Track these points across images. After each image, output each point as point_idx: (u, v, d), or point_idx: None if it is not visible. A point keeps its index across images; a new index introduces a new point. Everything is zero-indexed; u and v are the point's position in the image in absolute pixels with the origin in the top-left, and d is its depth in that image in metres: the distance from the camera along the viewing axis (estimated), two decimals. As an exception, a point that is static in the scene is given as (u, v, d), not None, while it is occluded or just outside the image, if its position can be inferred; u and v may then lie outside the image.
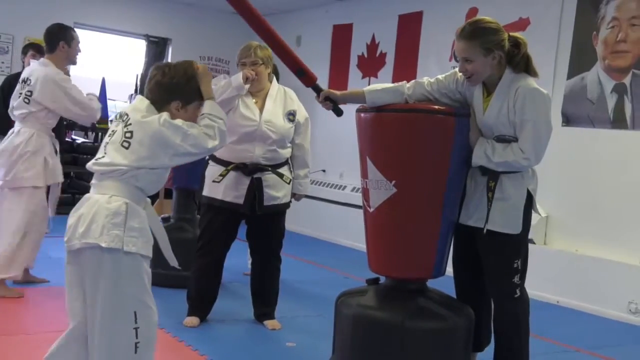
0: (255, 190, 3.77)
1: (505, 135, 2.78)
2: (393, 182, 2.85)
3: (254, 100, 3.83)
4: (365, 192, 3.01)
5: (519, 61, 2.77)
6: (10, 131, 4.22)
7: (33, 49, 5.34)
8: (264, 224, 3.92)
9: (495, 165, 2.78)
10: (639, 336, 4.47)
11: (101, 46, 8.86)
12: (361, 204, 3.13)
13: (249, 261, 5.27)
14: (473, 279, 3.02)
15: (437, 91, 2.96)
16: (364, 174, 3.00)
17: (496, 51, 2.73)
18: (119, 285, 2.24)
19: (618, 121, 5.17)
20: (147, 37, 8.74)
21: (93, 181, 2.33)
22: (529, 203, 2.86)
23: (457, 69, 2.93)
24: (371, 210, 2.96)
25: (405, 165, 2.86)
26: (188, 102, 2.38)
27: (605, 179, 5.12)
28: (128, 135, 2.28)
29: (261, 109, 3.80)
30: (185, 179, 4.81)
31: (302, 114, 3.96)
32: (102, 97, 7.99)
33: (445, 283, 3.07)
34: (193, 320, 3.89)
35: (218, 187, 3.78)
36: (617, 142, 5.14)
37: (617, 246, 5.02)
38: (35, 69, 4.22)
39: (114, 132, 2.34)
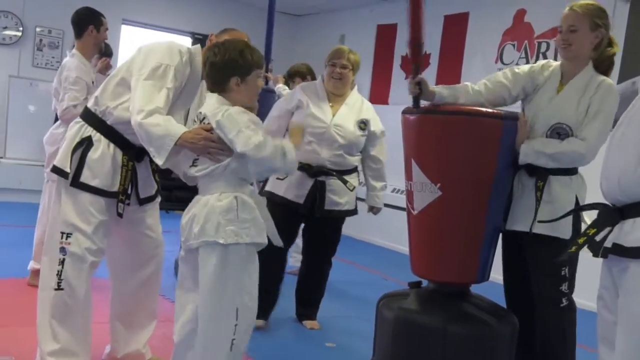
0: (318, 192, 3.76)
1: (563, 124, 2.75)
2: (438, 185, 2.82)
3: (330, 104, 3.82)
4: (409, 195, 2.99)
5: (604, 59, 2.79)
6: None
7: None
8: (323, 228, 3.92)
9: (548, 158, 2.72)
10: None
11: (146, 42, 8.98)
12: (402, 205, 3.12)
13: (292, 259, 5.31)
14: (522, 286, 2.96)
15: (512, 81, 2.94)
16: (409, 177, 2.98)
17: (600, 29, 2.74)
18: (227, 279, 2.32)
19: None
20: (193, 35, 8.83)
21: (199, 184, 2.43)
22: (579, 213, 2.75)
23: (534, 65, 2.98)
24: (415, 212, 2.94)
25: (451, 168, 2.83)
26: (246, 74, 2.39)
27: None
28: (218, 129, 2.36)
29: (334, 114, 3.79)
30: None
31: (377, 126, 3.91)
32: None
33: (489, 288, 3.03)
34: (258, 322, 3.76)
35: (281, 183, 3.78)
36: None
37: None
38: (65, 61, 4.29)
39: None
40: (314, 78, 5.36)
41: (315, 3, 8.48)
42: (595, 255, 1.97)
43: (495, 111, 2.85)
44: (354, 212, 3.95)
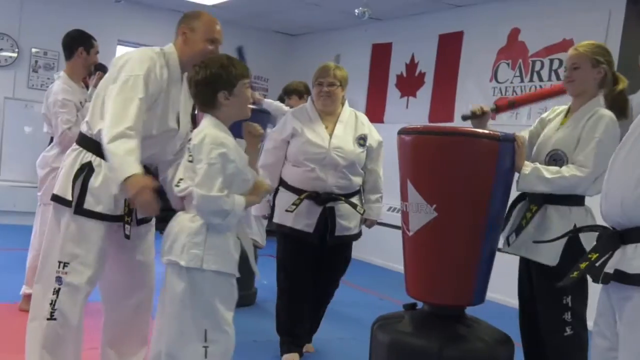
0: (328, 219, 3.66)
1: (559, 149, 2.84)
2: (434, 206, 2.80)
3: (324, 125, 3.72)
4: (404, 216, 2.96)
5: (615, 97, 2.86)
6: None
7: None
8: (333, 255, 3.82)
9: (549, 183, 2.74)
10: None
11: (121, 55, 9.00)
12: (398, 224, 3.09)
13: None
14: (529, 310, 2.96)
15: (537, 127, 3.14)
16: (404, 197, 2.96)
17: (602, 66, 2.86)
18: (192, 301, 2.28)
19: (665, 145, 5.03)
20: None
21: (185, 201, 2.41)
22: (578, 242, 2.69)
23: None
24: (410, 234, 2.91)
25: (447, 190, 2.81)
26: (232, 87, 2.37)
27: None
28: (190, 159, 2.35)
29: (331, 134, 3.69)
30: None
31: (374, 138, 3.83)
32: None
33: (486, 310, 3.00)
34: (294, 357, 3.79)
35: (289, 214, 3.67)
36: (664, 167, 5.00)
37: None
38: (51, 86, 4.28)
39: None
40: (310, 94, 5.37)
41: (310, 23, 8.52)
42: (596, 281, 1.92)
43: (491, 132, 2.83)
44: (360, 234, 3.88)
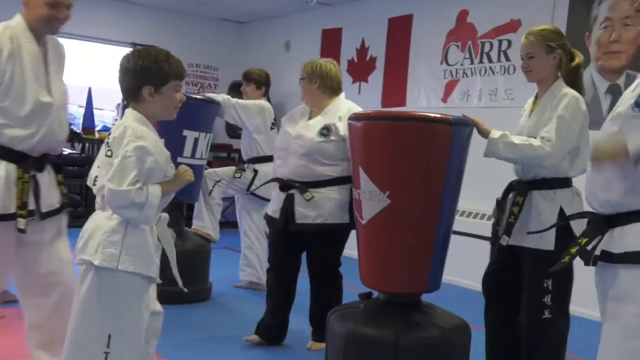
0: (288, 206, 3.65)
1: (534, 136, 2.84)
2: (387, 193, 2.75)
3: (307, 119, 3.76)
4: (357, 204, 2.91)
5: (569, 72, 2.93)
6: None
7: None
8: (308, 244, 3.76)
9: (516, 149, 2.78)
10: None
11: (87, 55, 8.73)
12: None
13: (241, 273, 5.19)
14: (501, 294, 3.03)
15: None
16: (357, 185, 2.91)
17: (557, 51, 2.90)
18: (100, 302, 2.16)
19: (613, 123, 5.09)
20: (134, 45, 8.60)
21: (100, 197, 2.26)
22: (566, 225, 2.72)
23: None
24: (364, 222, 2.86)
25: (400, 176, 2.76)
26: (161, 84, 2.23)
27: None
28: (109, 153, 2.21)
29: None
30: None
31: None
32: (89, 106, 7.89)
33: (442, 293, 2.97)
34: (253, 338, 3.81)
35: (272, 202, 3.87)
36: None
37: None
38: None
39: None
40: (268, 89, 5.25)
41: (258, 9, 8.37)
42: (587, 264, 1.99)
43: (444, 116, 2.79)
44: (335, 226, 3.63)
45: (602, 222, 1.99)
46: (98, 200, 2.25)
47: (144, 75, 2.22)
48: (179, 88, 2.30)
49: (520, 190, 2.91)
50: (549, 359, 2.88)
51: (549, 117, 2.83)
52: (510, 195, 3.00)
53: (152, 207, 2.14)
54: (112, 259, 2.13)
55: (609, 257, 1.94)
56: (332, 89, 3.76)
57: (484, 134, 2.86)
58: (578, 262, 2.86)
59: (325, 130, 3.63)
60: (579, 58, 2.95)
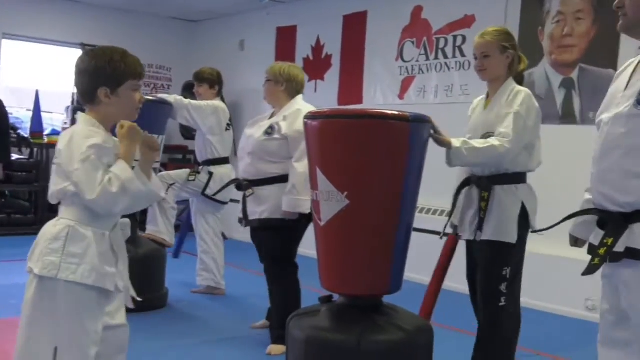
0: (244, 204, 3.83)
1: (490, 132, 2.91)
2: (345, 193, 2.67)
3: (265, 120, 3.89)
4: (315, 205, 2.82)
5: (516, 76, 3.06)
6: None
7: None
8: (257, 239, 3.90)
9: (480, 153, 2.82)
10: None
11: (34, 57, 8.45)
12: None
13: (198, 278, 5.07)
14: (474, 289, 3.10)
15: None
16: (314, 186, 2.83)
17: (509, 51, 3.00)
18: (43, 314, 2.04)
19: (567, 116, 5.13)
20: (83, 46, 8.36)
21: None
22: (524, 218, 2.92)
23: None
24: (322, 223, 2.78)
25: (358, 175, 2.69)
26: (117, 85, 2.12)
27: (555, 175, 5.05)
28: (57, 160, 2.12)
29: None
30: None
31: (292, 129, 3.68)
32: (36, 110, 7.62)
33: (404, 294, 2.91)
34: (263, 323, 4.06)
35: None
36: (567, 137, 5.09)
37: (572, 243, 4.97)
38: None
39: None
40: (221, 88, 5.12)
41: (211, 8, 8.23)
42: (613, 261, 1.99)
43: (401, 113, 2.72)
44: (279, 221, 3.70)
45: (621, 220, 1.98)
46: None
47: (99, 76, 2.11)
48: (138, 88, 2.18)
49: (483, 185, 2.95)
50: (507, 347, 2.97)
51: (506, 113, 2.88)
52: (466, 191, 3.05)
53: (132, 181, 2.04)
54: (52, 268, 2.01)
55: (636, 254, 1.93)
56: (297, 92, 3.92)
57: (445, 144, 2.83)
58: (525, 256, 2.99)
59: (270, 129, 3.76)
60: (524, 63, 3.09)
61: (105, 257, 2.10)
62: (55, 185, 2.10)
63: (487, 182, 2.94)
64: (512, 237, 2.89)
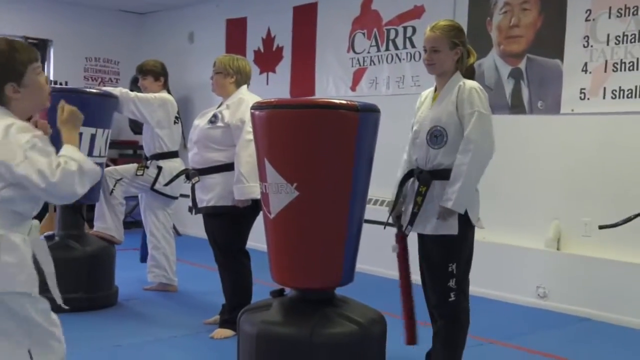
0: (194, 192, 3.91)
1: (438, 126, 2.91)
2: (294, 184, 2.65)
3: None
4: (264, 198, 2.78)
5: (467, 68, 3.05)
6: None
7: None
8: (206, 227, 3.95)
9: (470, 181, 2.83)
10: (549, 321, 4.48)
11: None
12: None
13: (150, 274, 4.96)
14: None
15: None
16: (262, 178, 2.78)
17: (459, 47, 2.99)
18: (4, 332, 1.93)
19: (516, 106, 5.19)
20: (25, 39, 8.09)
21: None
22: (464, 214, 2.87)
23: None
24: (272, 216, 2.74)
25: (307, 166, 2.67)
26: (21, 76, 1.99)
27: (505, 164, 5.09)
28: None
29: None
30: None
31: (236, 117, 3.74)
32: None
33: (355, 286, 2.89)
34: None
35: None
36: (516, 127, 5.15)
37: (522, 231, 5.04)
38: None
39: None
40: (167, 79, 5.00)
41: (158, 0, 8.06)
42: None
43: (349, 102, 2.69)
44: (224, 208, 3.77)
45: None
46: None
47: (1, 74, 1.98)
48: (40, 70, 2.06)
49: (423, 180, 2.93)
50: (459, 340, 2.99)
51: (468, 113, 2.87)
52: (410, 183, 3.04)
53: (86, 161, 1.98)
54: None
55: None
56: (244, 83, 3.98)
57: (452, 214, 2.83)
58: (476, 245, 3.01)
59: (213, 118, 3.85)
60: (473, 57, 3.09)
61: (28, 260, 2.01)
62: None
63: (428, 176, 2.92)
64: (453, 229, 2.85)
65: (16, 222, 1.98)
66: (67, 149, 1.99)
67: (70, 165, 1.93)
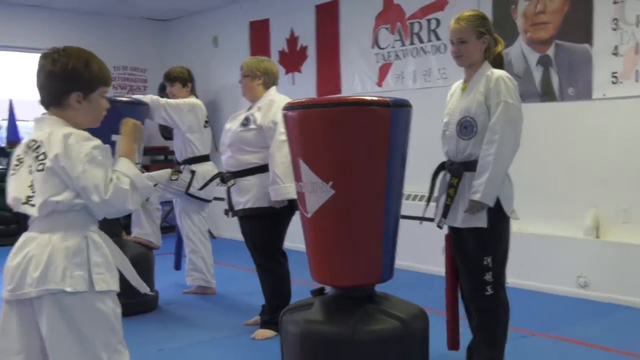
0: (229, 196, 3.94)
1: (467, 116, 2.90)
2: (330, 183, 2.65)
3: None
4: (300, 197, 2.79)
5: (495, 57, 3.02)
6: None
7: None
8: (242, 230, 3.98)
9: (496, 166, 2.80)
10: (591, 311, 4.42)
11: (5, 66, 8.30)
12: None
13: (188, 278, 5.01)
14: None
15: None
16: (298, 177, 2.79)
17: (485, 36, 2.97)
18: (86, 334, 1.97)
19: (546, 94, 5.13)
20: (54, 50, 8.22)
21: (33, 220, 2.00)
22: (498, 206, 2.85)
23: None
24: (309, 215, 2.75)
25: (342, 164, 2.67)
26: (90, 91, 2.03)
27: (538, 153, 5.06)
28: (41, 167, 1.96)
29: None
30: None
31: (267, 118, 3.79)
32: (11, 119, 7.51)
33: (395, 282, 2.89)
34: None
35: None
36: (547, 114, 5.09)
37: (559, 220, 4.98)
38: None
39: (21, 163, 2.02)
40: (194, 85, 5.05)
41: (181, 6, 8.13)
42: None
43: (380, 98, 2.69)
44: (261, 210, 3.79)
45: None
46: (36, 220, 2.00)
47: (74, 80, 2.01)
48: (105, 94, 2.11)
49: (454, 171, 2.93)
50: (499, 334, 2.96)
51: (494, 104, 2.85)
52: (441, 176, 3.04)
53: (138, 176, 2.02)
54: (83, 282, 1.94)
55: None
56: (273, 84, 4.00)
57: (479, 207, 2.82)
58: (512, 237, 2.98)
59: (245, 121, 3.87)
60: (501, 44, 3.06)
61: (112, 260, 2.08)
62: (48, 194, 1.95)
63: (459, 167, 2.91)
64: (482, 222, 2.84)
65: (93, 222, 2.04)
66: (122, 164, 2.03)
67: (123, 182, 1.97)
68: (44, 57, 2.05)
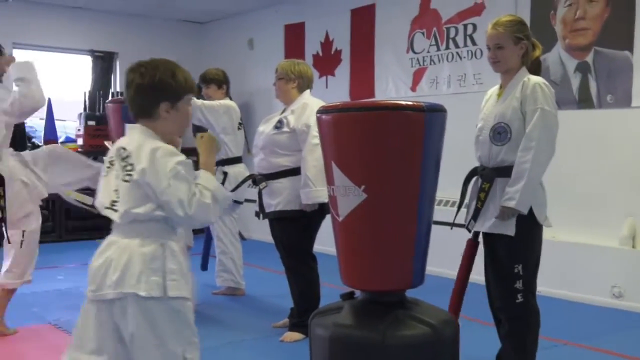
0: (261, 198, 3.95)
1: (502, 122, 2.89)
2: (362, 187, 2.64)
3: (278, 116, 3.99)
4: (332, 200, 2.79)
5: (532, 62, 2.99)
6: None
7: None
8: (273, 232, 4.00)
9: (532, 174, 2.78)
10: (625, 322, 4.33)
11: (44, 66, 8.46)
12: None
13: (218, 279, 5.04)
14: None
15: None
16: (330, 181, 2.79)
17: (523, 41, 2.94)
18: (165, 335, 2.02)
19: (584, 101, 5.05)
20: (92, 53, 8.37)
21: (115, 224, 2.08)
22: (530, 213, 2.83)
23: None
24: (340, 219, 2.74)
25: (375, 168, 2.65)
26: (177, 100, 2.09)
27: (575, 161, 4.98)
28: (127, 178, 2.03)
29: None
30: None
31: (300, 122, 3.81)
32: (49, 118, 7.65)
33: (425, 288, 2.87)
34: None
35: None
36: (585, 122, 5.01)
37: (594, 229, 4.90)
38: None
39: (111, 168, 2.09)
40: (229, 87, 5.11)
41: (218, 8, 8.21)
42: None
43: (415, 103, 2.68)
44: (293, 212, 3.81)
45: None
46: (118, 225, 2.07)
47: (162, 91, 2.06)
48: (190, 101, 2.16)
49: (486, 177, 2.92)
50: (530, 342, 2.94)
51: (530, 110, 2.83)
52: (473, 181, 3.04)
53: (219, 189, 2.09)
54: (157, 288, 1.99)
55: None
56: (307, 87, 4.02)
57: (511, 214, 2.82)
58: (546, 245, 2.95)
59: (279, 124, 3.89)
60: (539, 49, 3.03)
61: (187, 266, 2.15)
62: (130, 205, 2.01)
63: (491, 173, 2.91)
64: (511, 230, 2.82)
65: (172, 231, 2.09)
66: (204, 177, 2.08)
67: (205, 196, 2.02)
68: (132, 71, 2.10)
